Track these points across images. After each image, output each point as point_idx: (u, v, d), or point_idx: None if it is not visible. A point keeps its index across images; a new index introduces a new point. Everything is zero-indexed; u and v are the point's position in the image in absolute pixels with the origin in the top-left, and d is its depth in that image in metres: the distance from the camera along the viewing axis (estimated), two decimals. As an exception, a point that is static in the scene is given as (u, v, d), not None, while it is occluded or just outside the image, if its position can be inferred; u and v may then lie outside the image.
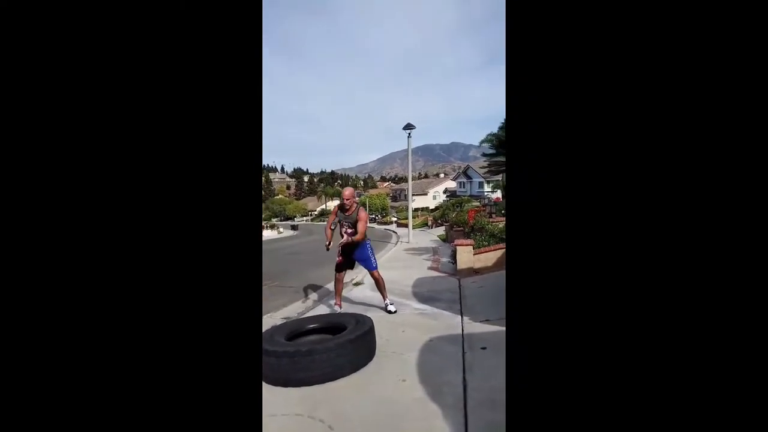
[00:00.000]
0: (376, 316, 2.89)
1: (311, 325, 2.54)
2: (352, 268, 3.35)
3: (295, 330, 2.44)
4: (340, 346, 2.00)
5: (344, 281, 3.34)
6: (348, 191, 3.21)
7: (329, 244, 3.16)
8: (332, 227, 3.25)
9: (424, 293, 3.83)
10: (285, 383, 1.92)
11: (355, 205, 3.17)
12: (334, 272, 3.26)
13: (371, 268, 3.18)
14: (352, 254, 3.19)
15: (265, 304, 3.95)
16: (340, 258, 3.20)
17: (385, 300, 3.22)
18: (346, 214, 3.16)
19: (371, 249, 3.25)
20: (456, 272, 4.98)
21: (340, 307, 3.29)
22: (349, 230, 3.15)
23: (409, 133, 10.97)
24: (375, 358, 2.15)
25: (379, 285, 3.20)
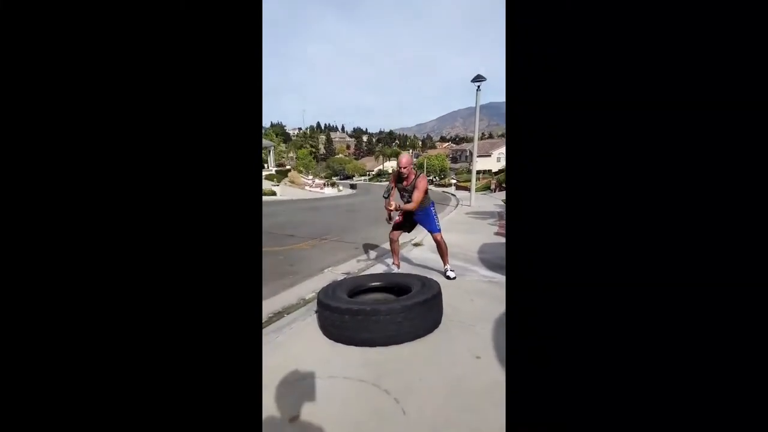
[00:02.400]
0: (438, 281, 2.67)
1: (374, 283, 2.42)
2: (409, 231, 3.12)
3: (357, 287, 2.33)
4: (407, 309, 1.83)
5: (401, 242, 3.13)
6: (405, 158, 2.82)
7: (390, 215, 2.86)
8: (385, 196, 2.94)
9: (492, 260, 3.49)
10: (347, 341, 1.83)
11: (413, 173, 2.83)
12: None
13: (434, 230, 2.92)
14: (413, 216, 2.95)
15: (326, 258, 3.98)
16: (400, 218, 2.99)
17: (445, 265, 2.97)
18: (404, 184, 2.85)
19: (435, 212, 2.95)
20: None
21: (398, 267, 3.13)
22: (408, 198, 2.87)
23: (479, 86, 9.96)
24: (442, 327, 1.95)
25: (441, 249, 2.94)
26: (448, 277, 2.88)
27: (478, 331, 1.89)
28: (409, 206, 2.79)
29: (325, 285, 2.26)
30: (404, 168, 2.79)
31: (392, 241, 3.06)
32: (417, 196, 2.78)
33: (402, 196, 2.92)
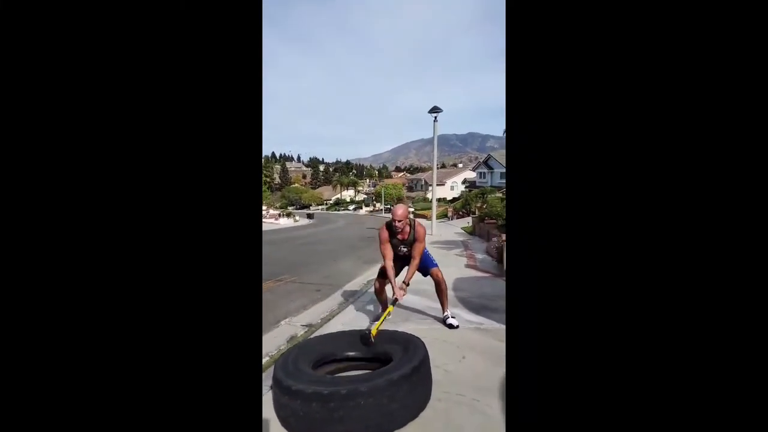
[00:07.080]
0: (413, 328, 2.28)
1: (346, 351, 1.94)
2: (396, 275, 2.73)
3: (323, 353, 1.85)
4: (394, 385, 1.40)
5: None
6: (401, 210, 2.39)
7: (396, 297, 2.31)
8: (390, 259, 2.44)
9: (472, 300, 3.19)
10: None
11: (408, 226, 2.41)
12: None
13: (430, 265, 2.54)
14: (404, 260, 2.54)
15: (282, 306, 3.40)
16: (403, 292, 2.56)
17: (445, 311, 2.56)
18: (399, 238, 2.43)
19: (427, 252, 2.57)
20: (502, 272, 4.30)
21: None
22: (404, 249, 2.47)
23: (435, 117, 10.21)
24: (435, 403, 1.54)
25: (441, 288, 2.54)
26: (449, 326, 2.45)
27: (484, 408, 1.49)
28: (413, 269, 2.40)
29: (280, 344, 1.76)
30: (399, 222, 2.34)
31: (378, 292, 2.61)
32: (420, 248, 2.40)
33: (398, 249, 2.48)
